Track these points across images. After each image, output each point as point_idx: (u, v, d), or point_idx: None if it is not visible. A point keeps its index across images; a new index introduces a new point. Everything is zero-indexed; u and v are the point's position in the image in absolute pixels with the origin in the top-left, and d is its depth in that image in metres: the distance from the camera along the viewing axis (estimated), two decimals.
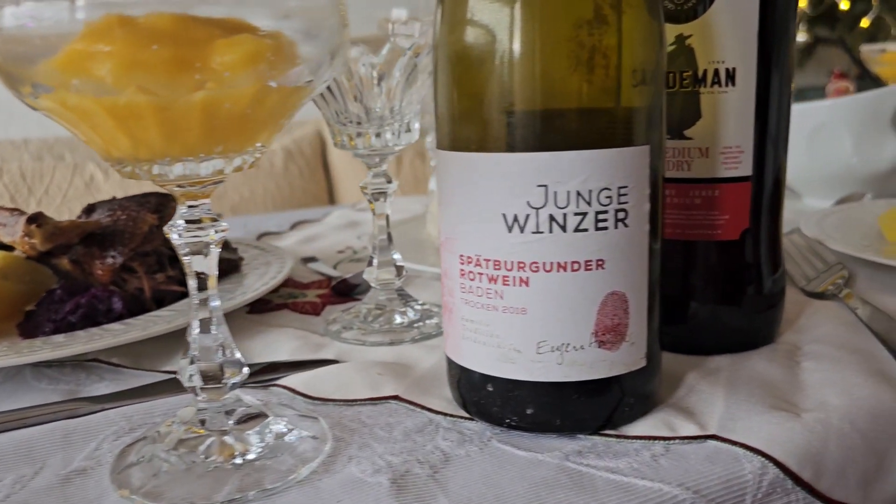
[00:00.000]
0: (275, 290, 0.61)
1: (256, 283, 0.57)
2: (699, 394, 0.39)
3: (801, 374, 0.40)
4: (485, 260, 0.34)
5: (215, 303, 0.35)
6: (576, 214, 0.33)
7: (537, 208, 0.33)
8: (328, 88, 0.46)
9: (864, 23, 2.11)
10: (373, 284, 0.52)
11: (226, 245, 0.63)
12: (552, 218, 0.33)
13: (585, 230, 0.33)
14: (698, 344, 0.44)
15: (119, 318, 0.52)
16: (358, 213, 0.98)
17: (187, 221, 0.34)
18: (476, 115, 0.34)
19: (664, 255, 0.44)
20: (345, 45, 0.33)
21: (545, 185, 0.32)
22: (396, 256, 0.52)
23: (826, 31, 2.40)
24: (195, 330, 0.35)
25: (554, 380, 0.34)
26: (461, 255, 0.35)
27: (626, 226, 0.33)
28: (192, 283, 0.35)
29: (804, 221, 0.65)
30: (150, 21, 0.29)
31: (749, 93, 0.41)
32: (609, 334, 0.34)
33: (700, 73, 0.41)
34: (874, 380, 0.38)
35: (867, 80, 1.27)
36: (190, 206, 0.34)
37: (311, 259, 0.72)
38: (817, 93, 2.25)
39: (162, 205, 0.58)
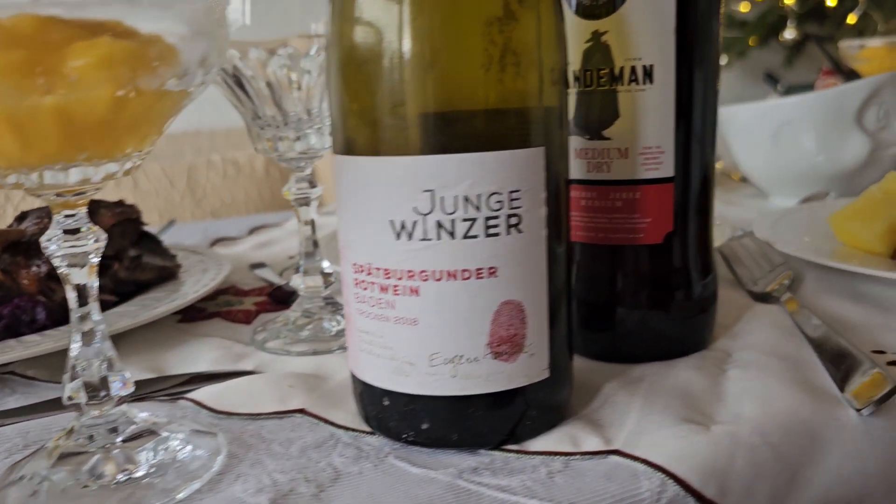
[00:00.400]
0: (212, 298, 0.60)
1: (190, 290, 0.56)
2: (614, 405, 0.37)
3: (724, 384, 0.39)
4: (375, 268, 0.33)
5: (97, 316, 0.34)
6: (464, 220, 0.31)
7: (424, 214, 0.31)
8: (243, 91, 0.45)
9: (851, 19, 2.09)
10: (300, 292, 0.50)
11: (164, 252, 0.61)
12: (440, 224, 0.31)
13: (475, 237, 0.31)
14: (626, 352, 0.43)
15: (42, 328, 0.51)
16: (321, 217, 0.97)
17: (65, 231, 0.32)
18: (364, 118, 0.32)
19: (589, 261, 0.43)
20: (220, 51, 0.31)
21: (431, 190, 0.31)
22: (325, 264, 0.50)
23: (815, 28, 2.38)
24: (76, 344, 0.34)
25: (449, 393, 0.32)
26: (354, 264, 0.34)
27: (519, 231, 0.32)
28: (71, 296, 0.33)
29: (758, 223, 0.64)
30: (12, 23, 0.28)
31: (668, 91, 0.39)
32: (505, 345, 0.32)
33: (617, 71, 0.39)
34: (795, 390, 0.37)
35: (853, 77, 1.26)
36: (66, 216, 0.32)
37: (260, 265, 0.71)
38: (807, 90, 2.23)
39: (93, 212, 0.57)
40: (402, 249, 0.32)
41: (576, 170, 0.41)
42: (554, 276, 0.33)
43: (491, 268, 0.32)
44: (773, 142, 0.82)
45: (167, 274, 0.59)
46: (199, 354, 0.48)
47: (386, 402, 0.34)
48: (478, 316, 0.32)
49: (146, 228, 0.63)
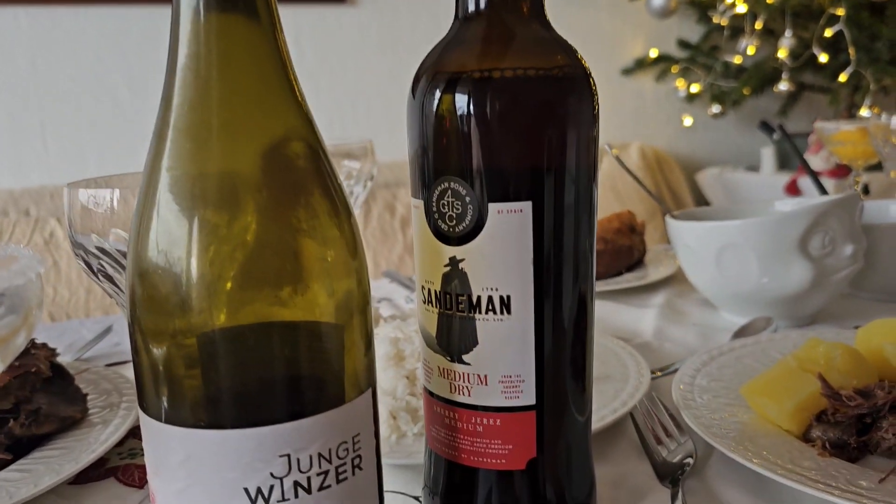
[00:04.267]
0: (119, 444, 0.59)
1: (87, 447, 0.55)
2: None
3: None
4: None
5: None
6: (318, 474, 0.32)
7: (281, 478, 0.31)
8: (110, 281, 0.44)
9: (843, 77, 2.07)
10: None
11: (74, 395, 0.60)
12: (297, 484, 0.32)
13: (328, 486, 0.32)
14: None
15: None
16: None
17: None
18: (199, 389, 0.32)
19: (454, 479, 0.41)
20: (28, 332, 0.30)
21: (287, 455, 0.31)
22: None
23: (810, 77, 2.36)
24: None
25: None
26: None
27: (360, 469, 0.33)
28: None
29: (680, 374, 0.62)
30: None
31: (527, 321, 0.38)
32: None
33: (474, 299, 0.38)
34: None
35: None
36: None
37: None
38: (801, 140, 2.21)
39: None
40: None
41: (440, 388, 0.40)
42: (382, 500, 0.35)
43: None
44: (716, 262, 0.80)
45: (71, 423, 0.58)
46: None
47: None
48: None
49: (59, 362, 0.62)
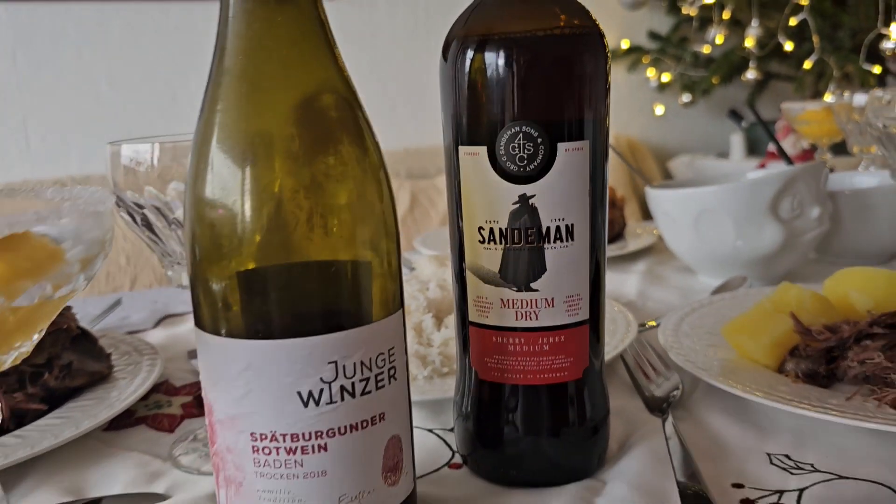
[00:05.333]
0: (143, 398, 0.62)
1: (118, 397, 0.59)
2: None
3: None
4: (281, 435, 0.36)
5: None
6: (361, 381, 0.36)
7: (329, 382, 0.36)
8: (151, 232, 0.48)
9: (808, 64, 2.15)
10: None
11: (99, 353, 0.64)
12: (343, 388, 0.36)
13: (370, 392, 0.37)
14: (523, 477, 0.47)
15: None
16: None
17: None
18: (258, 308, 0.36)
19: (519, 399, 0.46)
20: (100, 256, 0.34)
21: (335, 362, 0.36)
22: None
23: (776, 66, 2.44)
24: None
25: None
26: (252, 434, 0.37)
27: (395, 379, 0.38)
28: None
29: (664, 322, 0.68)
30: None
31: (585, 246, 0.44)
32: (391, 473, 0.38)
33: (544, 230, 0.43)
34: None
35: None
36: None
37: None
38: (770, 126, 2.28)
39: None
40: (311, 415, 0.36)
41: (503, 318, 0.45)
42: (411, 410, 0.41)
43: (381, 414, 0.37)
44: (694, 227, 0.86)
45: (99, 378, 0.62)
46: (116, 474, 0.50)
47: None
48: (375, 456, 0.37)
49: (82, 326, 0.65)
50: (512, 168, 0.42)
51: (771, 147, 2.22)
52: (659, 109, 2.57)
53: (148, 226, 0.47)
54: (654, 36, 2.50)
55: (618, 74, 2.54)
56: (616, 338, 0.65)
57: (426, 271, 0.77)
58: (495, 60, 0.42)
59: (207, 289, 0.37)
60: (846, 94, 1.16)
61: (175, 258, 0.48)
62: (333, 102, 0.38)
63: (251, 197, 0.35)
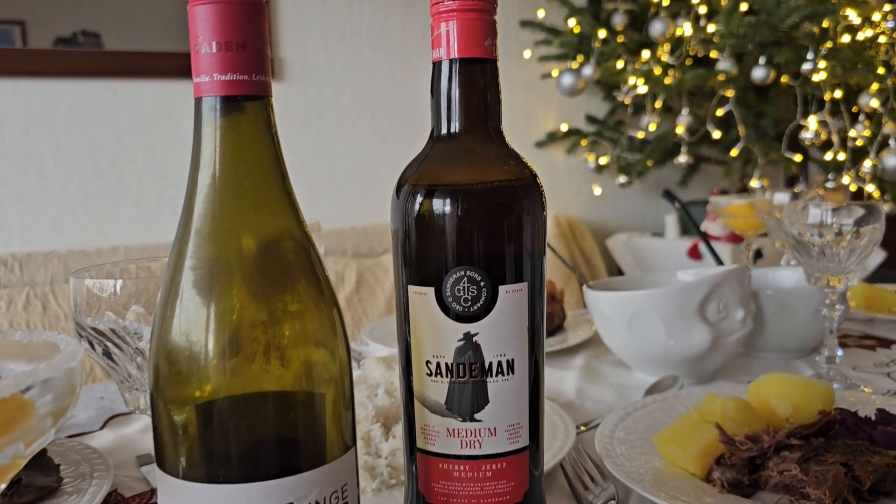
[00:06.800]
0: None
1: None
2: None
3: None
4: None
5: None
6: None
7: None
8: (111, 360, 0.50)
9: (734, 152, 2.27)
10: None
11: (47, 466, 0.64)
12: None
13: None
14: None
15: None
16: None
17: None
18: (214, 450, 0.38)
19: None
20: (70, 406, 0.37)
21: (291, 503, 0.38)
22: None
23: (706, 150, 2.57)
24: None
25: None
26: None
27: None
28: None
29: (601, 429, 0.71)
30: None
31: (524, 378, 0.48)
32: None
33: (486, 365, 0.47)
34: None
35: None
36: None
37: (148, 459, 0.74)
38: (700, 209, 2.40)
39: None
40: None
41: (449, 446, 0.48)
42: None
43: None
44: (628, 328, 0.90)
45: (48, 493, 0.62)
46: None
47: None
48: None
49: None
50: (457, 308, 0.46)
51: (704, 226, 2.34)
52: (597, 190, 2.68)
53: (107, 354, 0.49)
54: (591, 119, 2.62)
55: (558, 156, 2.64)
56: (556, 444, 0.68)
57: (374, 374, 0.79)
58: (442, 208, 0.46)
59: (167, 431, 0.39)
60: (767, 192, 1.25)
61: (133, 383, 0.50)
62: (292, 247, 0.41)
63: (215, 334, 0.38)
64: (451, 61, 0.47)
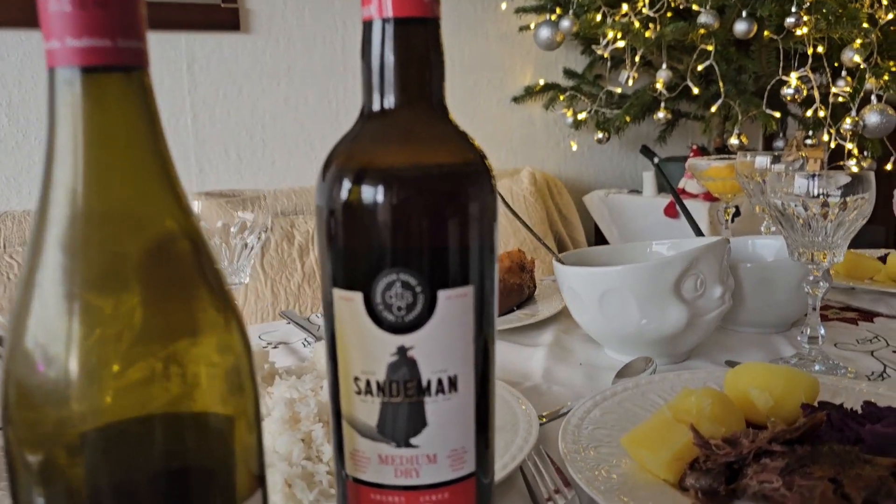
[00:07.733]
0: None
1: None
2: None
3: None
4: None
5: None
6: None
7: None
8: None
9: (714, 108, 2.20)
10: None
11: None
12: None
13: None
14: None
15: None
16: None
17: None
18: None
19: None
20: None
21: None
22: None
23: (686, 106, 2.50)
24: None
25: None
26: None
27: None
28: None
29: (566, 424, 0.65)
30: None
31: (470, 396, 0.41)
32: None
33: (424, 383, 0.39)
34: None
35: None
36: None
37: None
38: (678, 165, 2.34)
39: None
40: None
41: (381, 475, 0.41)
42: None
43: None
44: (599, 305, 0.84)
45: None
46: None
47: None
48: None
49: None
50: (389, 317, 0.39)
51: (682, 183, 2.27)
52: (574, 146, 2.60)
53: None
54: (569, 74, 2.53)
55: (535, 111, 2.55)
56: (516, 443, 0.62)
57: (323, 361, 0.73)
58: (373, 196, 0.38)
59: (23, 477, 0.32)
60: (749, 154, 1.18)
61: None
62: (176, 248, 0.34)
63: (79, 349, 0.31)
64: (383, 21, 0.39)
